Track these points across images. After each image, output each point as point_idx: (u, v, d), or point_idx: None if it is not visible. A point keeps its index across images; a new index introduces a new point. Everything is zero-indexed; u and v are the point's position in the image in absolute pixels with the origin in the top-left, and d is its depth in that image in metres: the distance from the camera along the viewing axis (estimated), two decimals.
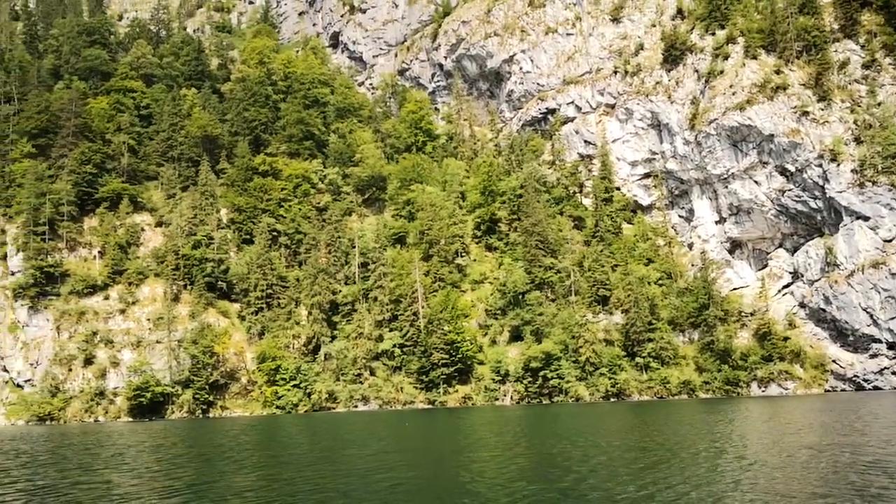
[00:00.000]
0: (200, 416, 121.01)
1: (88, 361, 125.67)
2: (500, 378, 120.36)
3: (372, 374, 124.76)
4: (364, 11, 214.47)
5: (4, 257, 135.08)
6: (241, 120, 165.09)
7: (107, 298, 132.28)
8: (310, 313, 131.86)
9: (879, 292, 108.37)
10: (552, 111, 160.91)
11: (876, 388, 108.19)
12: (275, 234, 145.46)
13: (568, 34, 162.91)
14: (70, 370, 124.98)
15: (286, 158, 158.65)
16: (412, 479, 29.64)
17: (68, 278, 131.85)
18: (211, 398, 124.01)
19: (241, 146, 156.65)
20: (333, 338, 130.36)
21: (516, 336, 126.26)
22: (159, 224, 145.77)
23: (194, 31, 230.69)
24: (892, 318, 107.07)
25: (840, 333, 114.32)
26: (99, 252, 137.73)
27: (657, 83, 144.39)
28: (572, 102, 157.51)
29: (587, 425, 58.57)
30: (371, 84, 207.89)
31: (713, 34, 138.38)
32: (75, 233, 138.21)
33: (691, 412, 73.31)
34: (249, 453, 44.82)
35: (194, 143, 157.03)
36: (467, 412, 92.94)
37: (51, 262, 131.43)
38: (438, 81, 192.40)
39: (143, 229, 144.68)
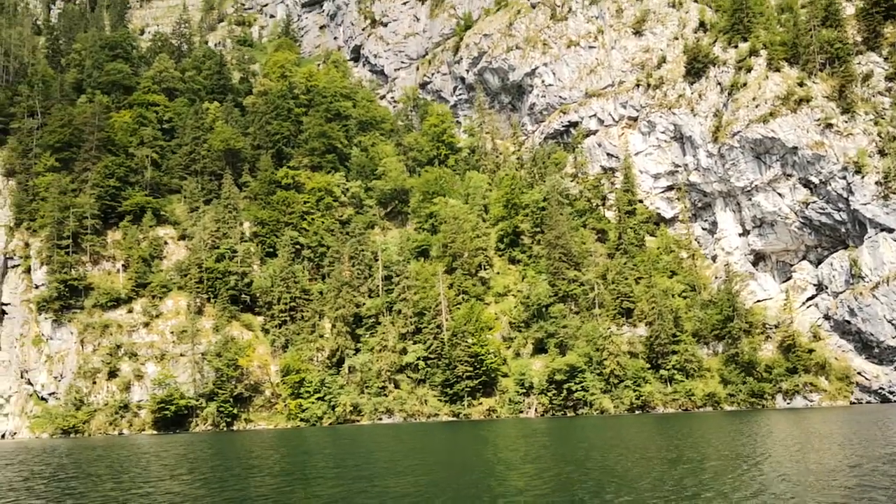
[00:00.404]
0: (224, 429, 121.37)
1: (112, 374, 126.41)
2: (524, 391, 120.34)
3: (396, 386, 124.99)
4: (385, 25, 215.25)
5: (28, 270, 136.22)
6: (264, 133, 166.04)
7: (130, 311, 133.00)
8: (334, 326, 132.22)
9: None
10: (574, 124, 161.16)
11: None
12: (298, 247, 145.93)
13: (590, 47, 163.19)
14: (94, 383, 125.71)
15: (309, 172, 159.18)
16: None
17: (92, 291, 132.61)
18: (235, 411, 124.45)
19: (264, 160, 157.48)
20: (357, 350, 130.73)
21: (540, 348, 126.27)
22: (182, 237, 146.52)
23: (216, 45, 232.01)
24: None
25: (865, 345, 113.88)
26: (122, 265, 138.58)
27: (680, 96, 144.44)
28: (594, 115, 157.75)
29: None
30: (392, 97, 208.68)
31: (736, 47, 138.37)
32: (99, 246, 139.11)
33: (721, 425, 73.06)
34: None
35: (217, 156, 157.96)
36: (499, 424, 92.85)
37: (74, 275, 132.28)
38: (460, 95, 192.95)
39: (166, 242, 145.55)
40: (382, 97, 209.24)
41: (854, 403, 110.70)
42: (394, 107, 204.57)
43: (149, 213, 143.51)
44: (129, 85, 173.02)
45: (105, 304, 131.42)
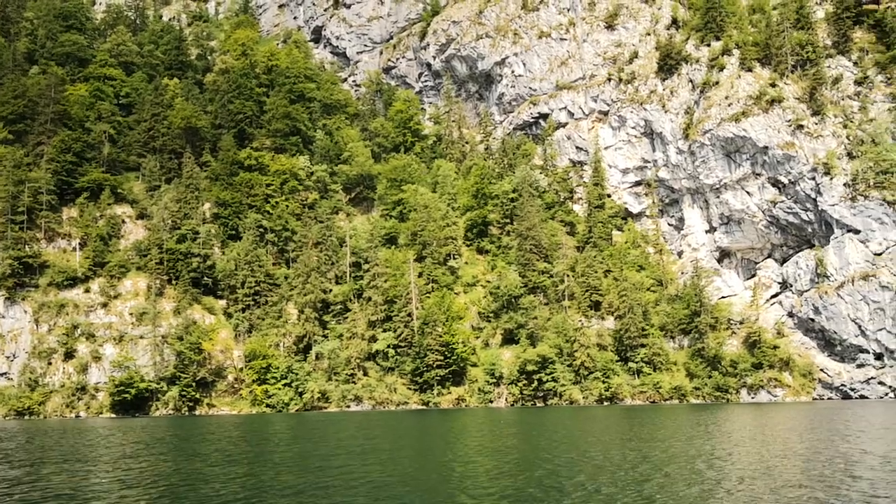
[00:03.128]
0: (186, 413, 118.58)
1: (69, 355, 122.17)
2: (494, 380, 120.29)
3: (365, 374, 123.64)
4: (349, 6, 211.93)
5: None
6: (226, 112, 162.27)
7: (87, 291, 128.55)
8: (301, 312, 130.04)
9: (868, 304, 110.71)
10: (544, 116, 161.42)
11: (862, 396, 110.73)
12: (262, 230, 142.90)
13: (562, 39, 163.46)
14: (50, 364, 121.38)
15: (272, 153, 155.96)
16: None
17: (47, 269, 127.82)
18: (197, 396, 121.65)
19: (226, 139, 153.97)
20: (325, 337, 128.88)
21: (509, 339, 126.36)
22: (141, 216, 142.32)
23: (170, 19, 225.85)
24: (881, 330, 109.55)
25: (828, 343, 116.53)
26: (79, 243, 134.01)
27: (651, 92, 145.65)
28: (565, 108, 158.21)
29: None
30: (355, 81, 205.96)
31: (708, 45, 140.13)
32: (54, 223, 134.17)
33: (683, 417, 73.81)
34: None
35: (177, 134, 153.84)
36: (469, 414, 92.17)
37: (29, 252, 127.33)
38: (426, 81, 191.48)
39: (123, 221, 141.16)
40: (344, 80, 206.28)
41: (816, 399, 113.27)
42: (356, 91, 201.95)
43: (107, 190, 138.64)
44: (84, 57, 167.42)
45: (61, 282, 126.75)
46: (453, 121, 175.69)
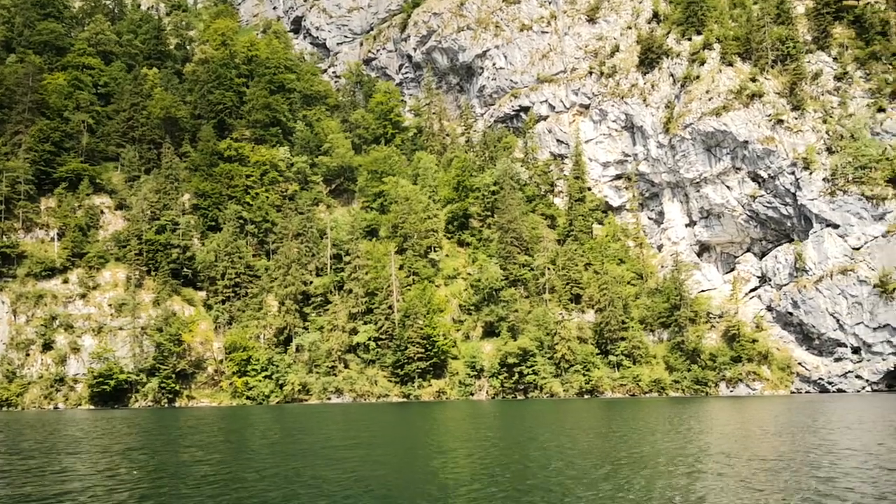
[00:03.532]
0: (166, 405, 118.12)
1: (47, 347, 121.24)
2: (475, 373, 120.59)
3: (346, 366, 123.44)
4: None
5: None
6: (205, 103, 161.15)
7: (66, 282, 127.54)
8: (282, 304, 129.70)
9: (847, 298, 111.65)
10: (525, 109, 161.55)
11: (840, 390, 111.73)
12: (242, 221, 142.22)
13: (543, 32, 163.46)
14: (28, 355, 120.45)
15: (252, 144, 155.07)
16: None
17: (25, 260, 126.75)
18: (177, 387, 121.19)
19: (206, 130, 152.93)
20: (305, 329, 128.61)
21: (490, 332, 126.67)
22: (120, 207, 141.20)
23: (148, 8, 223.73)
24: (858, 324, 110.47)
25: (806, 337, 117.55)
26: (57, 234, 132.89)
27: (633, 85, 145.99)
28: (546, 101, 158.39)
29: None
30: (335, 72, 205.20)
31: (689, 39, 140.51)
32: (32, 213, 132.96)
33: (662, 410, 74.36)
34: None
35: (156, 124, 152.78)
36: (450, 406, 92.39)
37: (6, 242, 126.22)
38: (406, 73, 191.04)
39: (102, 212, 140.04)
40: (324, 71, 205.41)
41: (794, 393, 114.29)
42: (335, 82, 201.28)
43: (85, 180, 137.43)
44: (62, 46, 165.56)
45: (39, 273, 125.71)
46: (434, 113, 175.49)
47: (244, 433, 54.42)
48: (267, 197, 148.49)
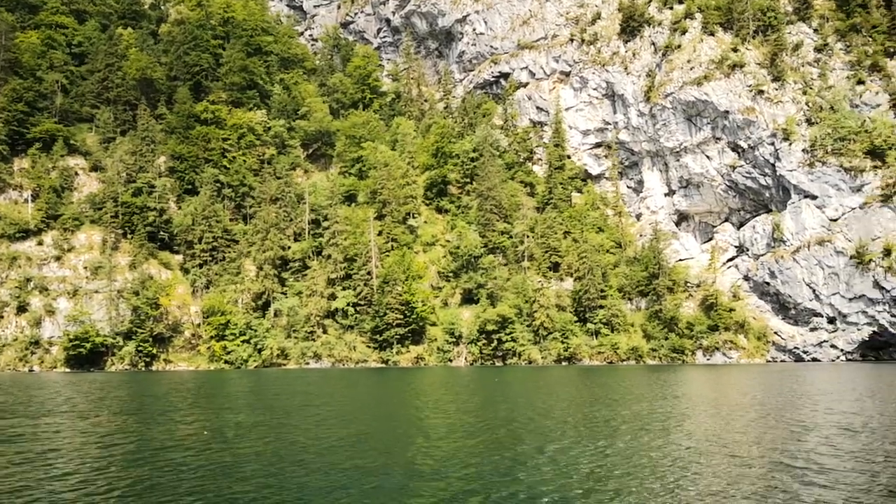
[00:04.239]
0: (143, 368, 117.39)
1: (22, 309, 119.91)
2: (453, 340, 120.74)
3: (324, 331, 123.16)
4: None
5: None
6: (181, 64, 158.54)
7: (40, 244, 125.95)
8: (260, 269, 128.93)
9: (823, 268, 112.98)
10: (505, 75, 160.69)
11: (815, 359, 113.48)
12: (219, 185, 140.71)
13: None
14: (1, 317, 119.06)
15: (229, 107, 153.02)
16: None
17: None
18: (154, 351, 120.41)
19: (182, 92, 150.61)
20: (284, 294, 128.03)
21: (468, 299, 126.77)
22: (94, 168, 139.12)
23: None
24: (834, 294, 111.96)
25: (782, 307, 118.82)
26: (31, 195, 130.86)
27: (614, 53, 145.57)
28: (526, 68, 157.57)
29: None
30: (311, 35, 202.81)
31: (671, 8, 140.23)
32: (5, 174, 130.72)
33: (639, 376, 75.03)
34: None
35: (131, 85, 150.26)
36: (428, 372, 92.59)
37: None
38: (385, 37, 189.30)
39: (76, 173, 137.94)
40: (301, 34, 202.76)
41: (770, 361, 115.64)
42: (312, 45, 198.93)
43: (59, 141, 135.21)
44: (34, 4, 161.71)
45: (13, 235, 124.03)
46: (412, 78, 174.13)
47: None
48: (244, 161, 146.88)
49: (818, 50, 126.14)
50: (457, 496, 17.33)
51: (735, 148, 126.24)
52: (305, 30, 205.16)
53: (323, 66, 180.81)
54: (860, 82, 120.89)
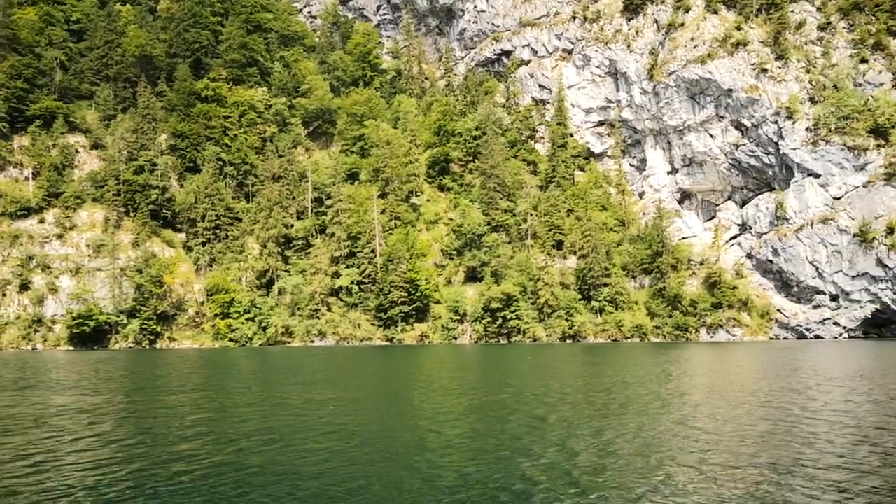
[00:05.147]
0: (147, 346, 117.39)
1: (24, 287, 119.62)
2: (458, 317, 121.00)
3: (329, 309, 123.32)
4: None
5: None
6: (181, 41, 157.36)
7: (42, 222, 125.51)
8: (264, 247, 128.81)
9: (826, 247, 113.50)
10: (507, 53, 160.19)
11: (817, 336, 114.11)
12: (220, 163, 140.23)
13: None
14: (4, 295, 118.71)
15: (230, 85, 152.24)
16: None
17: None
18: (158, 329, 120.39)
19: (182, 69, 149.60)
20: (287, 272, 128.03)
21: (471, 277, 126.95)
22: (95, 146, 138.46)
23: None
24: (837, 272, 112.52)
25: (785, 284, 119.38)
26: (32, 173, 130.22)
27: (617, 31, 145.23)
28: (528, 45, 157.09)
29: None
30: (310, 13, 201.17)
31: None
32: (5, 151, 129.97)
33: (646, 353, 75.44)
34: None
35: (131, 62, 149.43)
36: (434, 349, 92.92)
37: None
38: (384, 14, 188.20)
39: (77, 151, 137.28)
40: (300, 11, 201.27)
41: (773, 339, 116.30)
42: (311, 22, 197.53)
43: (59, 118, 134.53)
44: None
45: (14, 212, 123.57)
46: (413, 56, 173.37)
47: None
48: (246, 139, 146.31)
49: (821, 28, 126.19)
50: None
51: (738, 126, 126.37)
52: (304, 6, 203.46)
53: (323, 43, 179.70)
54: (863, 61, 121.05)
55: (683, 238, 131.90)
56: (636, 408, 27.27)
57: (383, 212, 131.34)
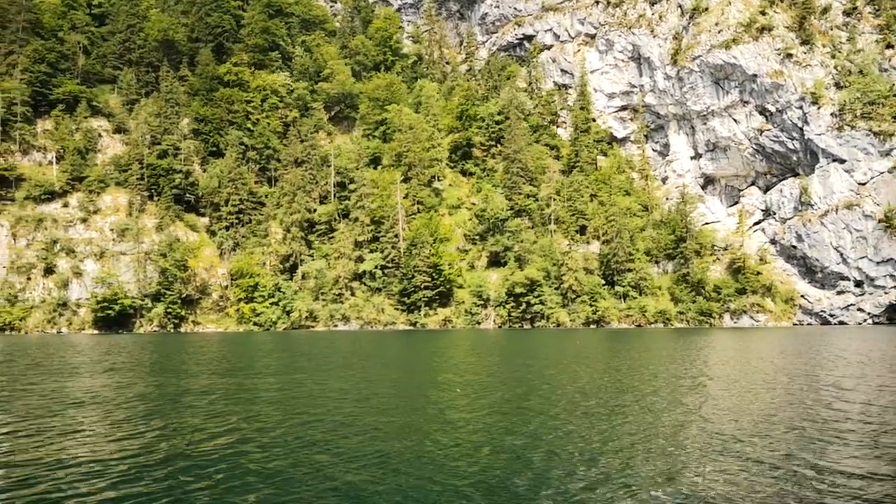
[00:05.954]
0: (172, 330, 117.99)
1: (49, 271, 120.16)
2: (481, 302, 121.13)
3: (352, 294, 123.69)
4: None
5: None
6: (203, 26, 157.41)
7: (66, 206, 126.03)
8: (288, 231, 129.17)
9: (851, 232, 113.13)
10: (529, 38, 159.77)
11: (841, 322, 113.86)
12: (243, 147, 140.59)
13: None
14: (29, 279, 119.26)
15: (252, 69, 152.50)
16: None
17: (23, 183, 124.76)
18: (183, 313, 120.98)
19: (204, 54, 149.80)
20: (310, 257, 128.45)
21: (495, 262, 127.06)
22: (118, 130, 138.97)
23: None
24: (862, 258, 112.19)
25: (809, 270, 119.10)
26: (55, 157, 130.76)
27: (640, 16, 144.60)
28: (550, 30, 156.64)
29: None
30: None
31: None
32: (29, 135, 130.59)
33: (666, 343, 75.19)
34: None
35: (153, 47, 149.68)
36: (459, 334, 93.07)
37: (4, 164, 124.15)
38: None
39: (100, 135, 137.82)
40: None
41: (796, 325, 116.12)
42: (332, 7, 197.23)
43: (83, 102, 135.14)
44: None
45: (38, 196, 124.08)
46: (434, 40, 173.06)
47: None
48: (268, 123, 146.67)
49: (847, 13, 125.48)
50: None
51: (763, 112, 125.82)
52: None
53: (344, 28, 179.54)
54: (889, 46, 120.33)
55: (707, 223, 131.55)
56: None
57: (406, 196, 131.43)
